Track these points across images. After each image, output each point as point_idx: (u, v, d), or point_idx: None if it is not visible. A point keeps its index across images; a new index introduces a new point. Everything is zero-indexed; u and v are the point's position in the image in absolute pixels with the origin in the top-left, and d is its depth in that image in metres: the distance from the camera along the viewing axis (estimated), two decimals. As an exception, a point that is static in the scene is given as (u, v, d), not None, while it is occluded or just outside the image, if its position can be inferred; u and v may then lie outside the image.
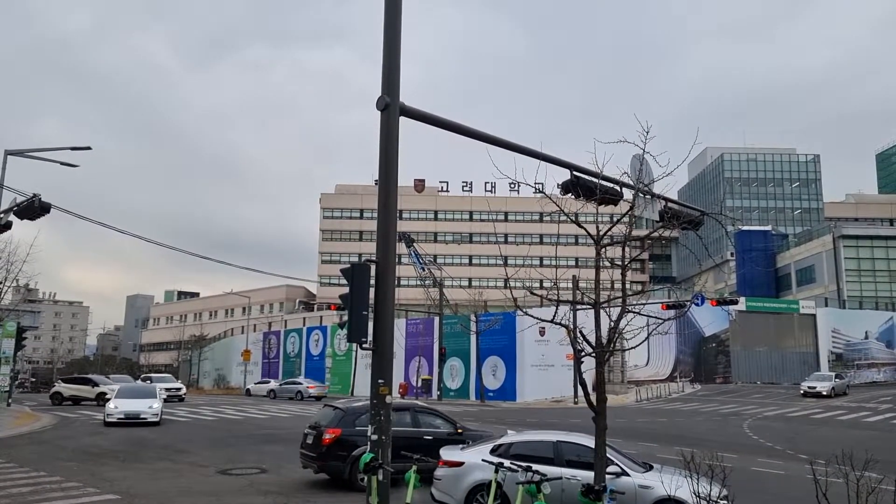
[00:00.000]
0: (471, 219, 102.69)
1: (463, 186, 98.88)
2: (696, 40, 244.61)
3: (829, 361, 56.24)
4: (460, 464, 10.77)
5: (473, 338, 46.76)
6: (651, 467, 10.62)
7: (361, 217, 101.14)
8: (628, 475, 10.11)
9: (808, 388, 42.62)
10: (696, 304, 42.65)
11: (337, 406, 14.87)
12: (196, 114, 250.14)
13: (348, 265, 9.70)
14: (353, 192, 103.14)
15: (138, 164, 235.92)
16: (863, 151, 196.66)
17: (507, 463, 9.34)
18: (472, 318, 47.00)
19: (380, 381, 9.21)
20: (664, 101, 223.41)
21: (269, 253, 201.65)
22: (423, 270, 60.36)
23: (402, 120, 9.76)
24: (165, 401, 30.66)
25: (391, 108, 9.52)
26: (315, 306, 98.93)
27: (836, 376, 45.97)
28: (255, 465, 16.31)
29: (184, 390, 45.19)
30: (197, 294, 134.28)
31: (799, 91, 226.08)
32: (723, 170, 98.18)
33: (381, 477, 8.65)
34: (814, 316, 58.17)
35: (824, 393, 41.58)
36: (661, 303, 38.63)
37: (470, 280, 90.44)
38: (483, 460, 9.97)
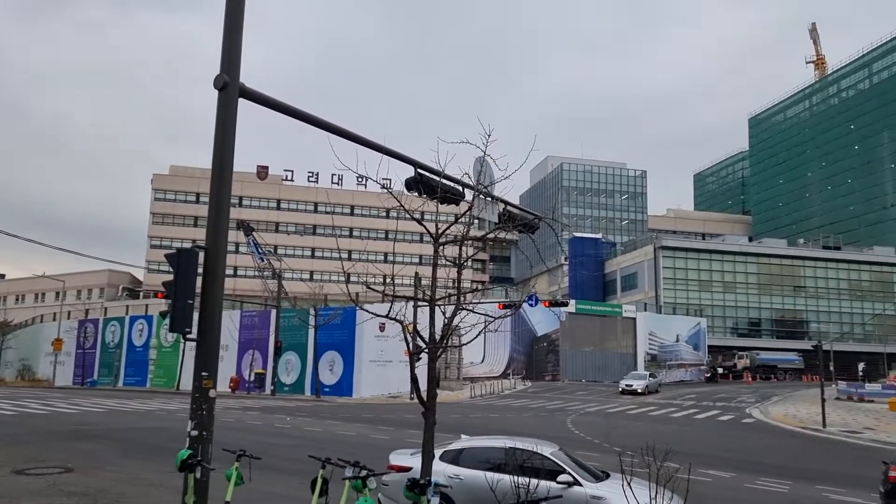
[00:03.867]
0: (315, 210, 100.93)
1: (309, 177, 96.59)
2: (552, 52, 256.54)
3: (645, 362, 61.04)
4: (408, 469, 10.30)
5: (312, 332, 45.93)
6: (607, 476, 10.16)
7: (198, 201, 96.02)
8: (580, 485, 9.59)
9: (626, 386, 45.83)
10: (530, 305, 44.75)
11: None
12: (19, 75, 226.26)
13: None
14: (191, 174, 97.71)
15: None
16: (684, 170, 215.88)
17: (334, 459, 9.16)
18: (312, 311, 46.16)
19: (204, 373, 8.69)
20: (520, 106, 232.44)
21: (94, 235, 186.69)
22: (263, 261, 58.51)
23: (248, 104, 9.32)
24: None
25: (230, 88, 9.02)
26: (141, 294, 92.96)
27: (651, 375, 49.84)
28: (59, 465, 14.91)
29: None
30: (2, 276, 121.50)
31: (636, 109, 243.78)
32: (561, 178, 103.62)
33: (198, 475, 8.17)
34: (634, 319, 62.90)
35: (639, 391, 44.88)
36: (499, 302, 40.07)
37: (312, 273, 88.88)
38: (433, 467, 9.45)
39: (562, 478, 9.49)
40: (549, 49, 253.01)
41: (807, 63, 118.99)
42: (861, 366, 66.94)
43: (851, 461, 20.63)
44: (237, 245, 78.11)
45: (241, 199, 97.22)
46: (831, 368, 58.31)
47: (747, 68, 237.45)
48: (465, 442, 11.12)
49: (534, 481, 9.39)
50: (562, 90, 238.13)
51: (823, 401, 29.70)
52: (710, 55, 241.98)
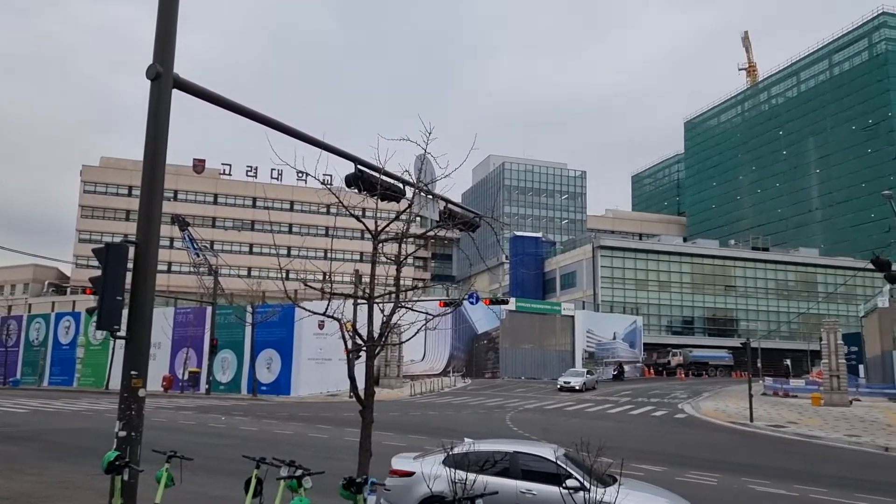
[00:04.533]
0: (254, 205, 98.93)
1: (247, 171, 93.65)
2: (498, 52, 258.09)
3: (583, 359, 62.15)
4: (410, 474, 9.92)
5: (249, 329, 45.06)
6: (614, 480, 9.75)
7: (130, 195, 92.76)
8: (587, 490, 9.12)
9: (564, 383, 46.52)
10: (471, 303, 44.96)
11: None
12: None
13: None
14: (122, 166, 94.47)
15: None
16: (623, 171, 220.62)
17: (268, 458, 9.00)
18: (249, 308, 45.28)
19: (133, 372, 8.43)
20: (465, 105, 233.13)
21: (18, 227, 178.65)
22: (198, 257, 57.09)
23: (185, 96, 9.08)
24: None
25: (163, 79, 8.77)
26: (68, 290, 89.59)
27: (588, 373, 50.72)
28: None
29: None
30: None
31: (578, 111, 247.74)
32: (503, 177, 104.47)
33: (126, 477, 7.91)
34: (573, 317, 63.97)
35: (577, 388, 45.63)
36: (439, 300, 40.08)
37: (249, 269, 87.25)
38: (436, 471, 9.16)
39: (569, 482, 9.15)
40: (495, 49, 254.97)
41: (739, 70, 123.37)
42: (786, 362, 69.77)
43: (776, 454, 21.46)
44: (171, 240, 76.12)
45: (175, 192, 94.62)
46: (759, 365, 60.63)
47: (687, 73, 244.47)
48: (467, 446, 10.73)
49: (539, 485, 9.40)
50: (506, 90, 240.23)
51: (751, 396, 30.80)
52: (651, 60, 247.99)
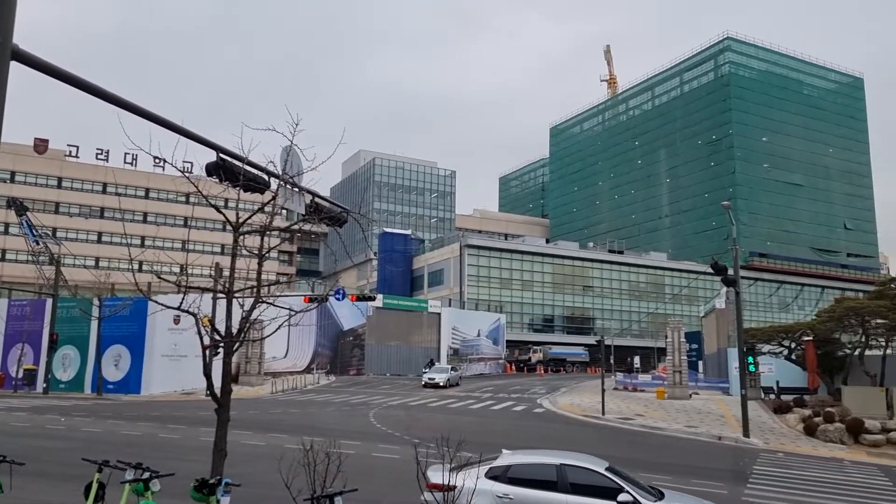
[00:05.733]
0: (104, 191, 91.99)
1: (97, 154, 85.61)
2: (376, 47, 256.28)
3: (448, 356, 63.10)
4: (452, 488, 9.16)
5: (95, 324, 42.09)
6: (662, 495, 9.65)
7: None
8: None
9: (429, 379, 46.99)
10: (337, 299, 44.43)
11: None
12: None
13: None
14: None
15: None
16: (492, 173, 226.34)
17: (112, 461, 8.37)
18: (96, 301, 42.30)
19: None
20: (338, 99, 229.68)
21: None
22: (38, 244, 52.62)
23: (28, 70, 8.23)
24: None
25: (1, 50, 7.91)
26: None
27: (452, 369, 51.49)
28: None
29: None
30: None
31: (451, 111, 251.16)
32: (373, 173, 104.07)
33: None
34: (439, 315, 64.79)
35: (441, 384, 46.23)
36: (304, 295, 39.31)
37: (97, 260, 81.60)
38: (479, 486, 8.32)
39: (622, 497, 8.92)
40: (374, 44, 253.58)
41: (601, 81, 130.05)
42: (636, 359, 74.31)
43: (624, 445, 22.77)
44: (6, 225, 69.83)
45: (13, 174, 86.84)
46: (612, 361, 64.19)
47: (558, 81, 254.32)
48: (508, 457, 10.23)
49: (590, 500, 8.99)
50: (382, 87, 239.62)
51: (603, 391, 32.53)
52: (526, 67, 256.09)
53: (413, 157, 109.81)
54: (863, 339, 34.26)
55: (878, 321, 32.46)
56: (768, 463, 19.94)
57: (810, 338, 34.84)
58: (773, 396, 38.43)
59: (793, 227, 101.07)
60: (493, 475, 9.64)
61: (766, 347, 40.63)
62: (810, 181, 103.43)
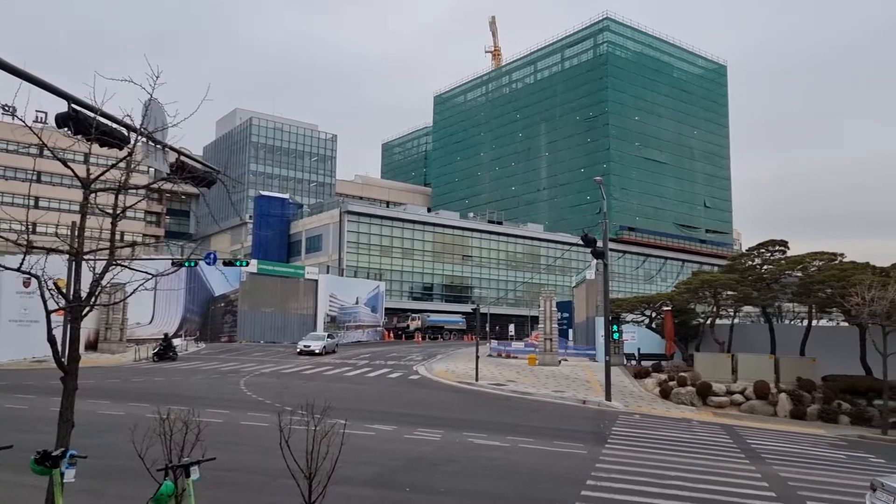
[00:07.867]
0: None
1: None
2: (259, 4, 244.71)
3: (325, 323, 62.44)
4: None
5: (-67, 286, 38.28)
6: None
7: None
8: None
9: (304, 347, 46.30)
10: (208, 263, 42.62)
11: None
12: None
13: None
14: None
15: None
16: (376, 139, 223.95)
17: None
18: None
19: None
20: (223, 58, 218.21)
21: None
22: None
23: None
24: None
25: None
26: None
27: (329, 336, 50.98)
28: None
29: None
30: None
31: (337, 75, 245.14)
32: (250, 134, 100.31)
33: None
34: (316, 281, 63.82)
35: (317, 351, 45.70)
36: (172, 259, 37.46)
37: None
38: None
39: None
40: (254, 1, 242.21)
41: (486, 52, 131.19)
42: (511, 327, 76.66)
43: (495, 410, 23.46)
44: None
45: None
46: (487, 329, 65.84)
47: (447, 48, 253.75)
48: None
49: None
50: (262, 48, 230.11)
51: (477, 358, 33.32)
52: (414, 32, 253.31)
53: (292, 119, 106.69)
54: (714, 310, 36.95)
55: (728, 293, 35.06)
56: (626, 424, 21.17)
57: (669, 308, 37.16)
58: (634, 363, 40.86)
59: (659, 203, 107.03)
60: None
61: (629, 317, 43.00)
62: (676, 160, 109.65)
